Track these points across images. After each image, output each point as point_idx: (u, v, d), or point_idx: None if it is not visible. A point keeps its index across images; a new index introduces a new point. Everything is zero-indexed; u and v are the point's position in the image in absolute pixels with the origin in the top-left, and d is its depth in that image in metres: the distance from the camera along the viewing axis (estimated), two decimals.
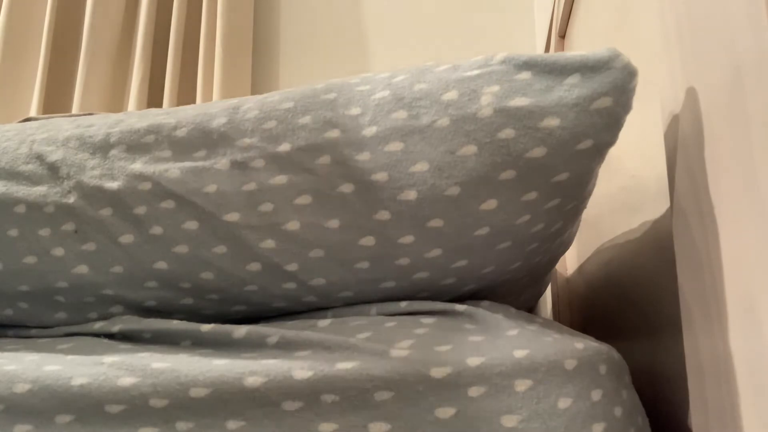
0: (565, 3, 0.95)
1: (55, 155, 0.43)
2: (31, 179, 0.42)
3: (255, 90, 1.42)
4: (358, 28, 1.47)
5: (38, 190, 0.42)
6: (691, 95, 0.34)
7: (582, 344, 0.36)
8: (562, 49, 1.03)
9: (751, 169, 0.26)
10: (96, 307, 0.43)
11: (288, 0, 1.48)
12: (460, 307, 0.38)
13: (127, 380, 0.34)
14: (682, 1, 0.34)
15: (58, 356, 0.37)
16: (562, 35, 1.01)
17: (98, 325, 0.42)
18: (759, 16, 0.25)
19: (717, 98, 0.30)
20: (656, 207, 0.44)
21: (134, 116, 0.44)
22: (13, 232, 0.42)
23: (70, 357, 0.37)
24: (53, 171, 0.42)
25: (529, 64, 0.37)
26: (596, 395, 0.34)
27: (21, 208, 0.42)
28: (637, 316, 0.47)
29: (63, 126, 0.45)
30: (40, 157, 0.43)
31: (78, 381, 0.34)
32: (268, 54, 1.47)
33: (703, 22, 0.31)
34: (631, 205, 0.49)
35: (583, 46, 0.85)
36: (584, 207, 0.41)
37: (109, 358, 0.36)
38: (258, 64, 1.44)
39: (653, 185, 0.43)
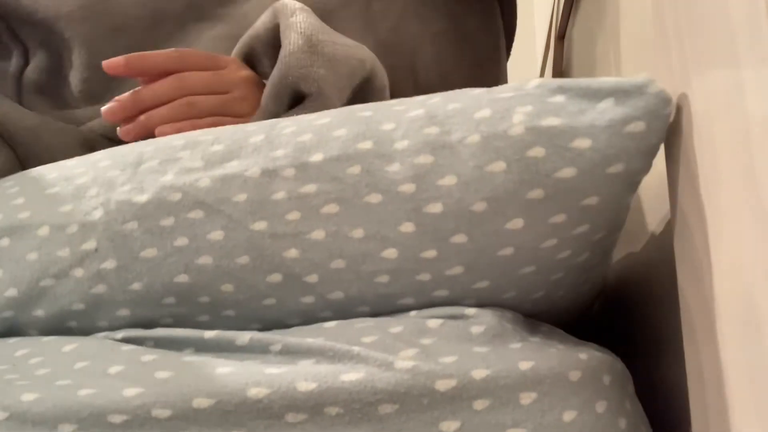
0: (564, 4, 0.95)
1: (84, 177, 0.43)
2: (57, 200, 0.43)
3: None
4: None
5: (63, 210, 0.42)
6: (691, 95, 0.34)
7: (586, 354, 0.36)
8: (562, 51, 1.03)
9: (751, 170, 0.26)
10: (108, 329, 0.42)
11: None
12: (469, 311, 0.38)
13: (131, 390, 0.34)
14: (681, 1, 0.34)
15: (66, 366, 0.37)
16: (562, 36, 1.01)
17: (101, 335, 0.41)
18: (759, 17, 0.25)
19: (717, 99, 0.30)
20: (656, 208, 0.44)
21: (173, 136, 0.45)
22: (33, 256, 0.42)
23: (78, 366, 0.37)
24: (81, 191, 0.42)
25: (563, 89, 0.37)
26: (601, 407, 0.34)
27: (44, 231, 0.42)
28: (639, 320, 0.47)
29: (96, 153, 0.45)
30: (68, 179, 0.43)
31: (84, 392, 0.34)
32: None
33: (703, 22, 0.31)
34: (631, 205, 0.49)
35: (582, 47, 0.85)
36: (613, 243, 0.41)
37: (114, 368, 0.36)
38: None
39: (653, 186, 0.43)
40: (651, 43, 0.46)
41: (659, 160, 0.40)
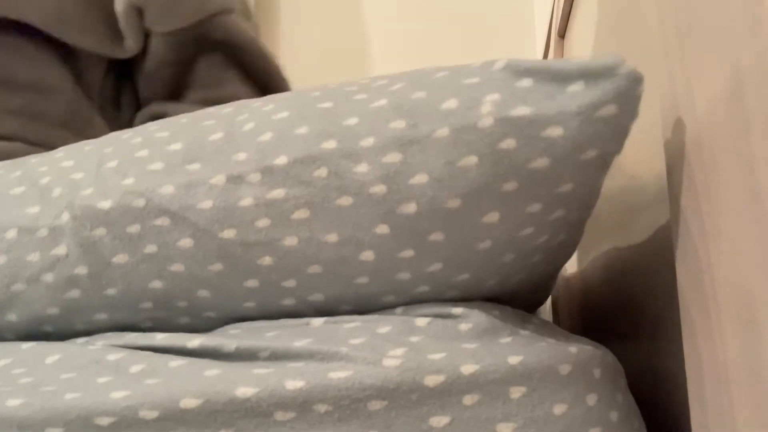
0: (564, 3, 0.95)
1: (48, 177, 0.42)
2: (23, 201, 0.42)
3: None
4: (358, 25, 1.47)
5: (31, 212, 0.41)
6: (691, 96, 0.33)
7: (576, 348, 0.35)
8: (562, 50, 1.02)
9: (751, 170, 0.26)
10: (87, 333, 0.42)
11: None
12: (456, 309, 0.37)
13: (118, 393, 0.34)
14: (681, 1, 0.34)
15: (51, 377, 0.36)
16: (562, 35, 1.01)
17: (80, 341, 0.41)
18: (759, 17, 0.25)
19: (716, 99, 0.30)
20: (656, 208, 0.43)
21: (129, 132, 0.44)
22: (1, 259, 0.41)
23: (64, 377, 0.36)
24: (46, 192, 0.42)
25: (530, 71, 0.36)
26: (591, 400, 0.34)
27: (12, 233, 0.41)
28: (637, 317, 0.47)
29: (57, 150, 0.45)
30: (32, 179, 0.43)
31: (70, 395, 0.34)
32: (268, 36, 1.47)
33: (703, 22, 0.31)
34: (631, 205, 0.49)
35: (582, 46, 0.85)
36: (588, 217, 0.40)
37: (102, 379, 0.35)
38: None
39: (653, 186, 0.43)
40: (651, 42, 0.46)
41: (659, 161, 0.40)
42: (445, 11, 1.39)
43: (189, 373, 0.35)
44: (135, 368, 0.36)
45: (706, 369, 0.30)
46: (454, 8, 1.38)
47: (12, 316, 0.42)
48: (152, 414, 0.33)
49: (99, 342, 0.40)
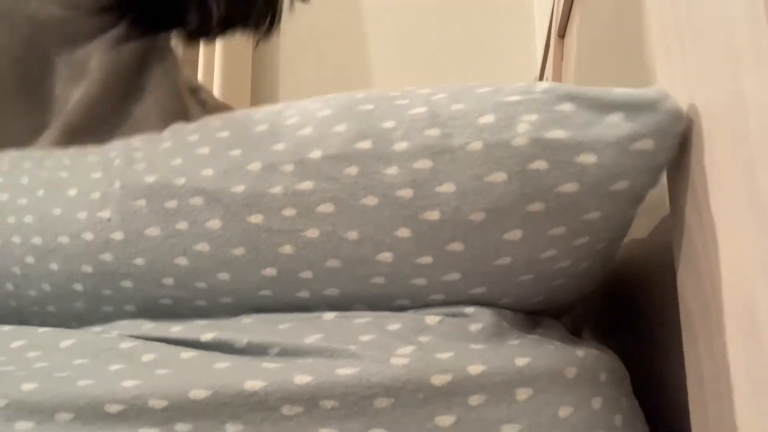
0: (564, 3, 0.95)
1: (115, 151, 0.45)
2: (92, 167, 0.45)
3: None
4: (358, 25, 1.47)
5: (94, 176, 0.44)
6: (690, 95, 0.34)
7: (583, 352, 0.36)
8: (562, 50, 1.03)
9: (751, 171, 0.26)
10: (112, 301, 0.43)
11: None
12: (468, 309, 0.38)
13: (129, 382, 0.34)
14: (681, 1, 0.34)
15: (65, 362, 0.37)
16: (562, 35, 1.01)
17: (96, 330, 0.41)
18: (758, 17, 0.25)
19: (716, 99, 0.30)
20: (656, 209, 0.43)
21: (190, 126, 0.46)
22: (57, 211, 0.43)
23: (77, 362, 0.37)
24: (110, 163, 0.44)
25: (571, 96, 0.36)
26: (597, 403, 0.34)
27: (73, 191, 0.44)
28: (637, 319, 0.47)
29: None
30: (101, 153, 0.46)
31: (83, 382, 0.34)
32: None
33: (702, 22, 0.31)
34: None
35: (582, 46, 0.85)
36: (617, 249, 0.40)
37: (114, 367, 0.36)
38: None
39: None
40: (651, 42, 0.46)
41: None
42: (445, 11, 1.39)
43: (199, 365, 0.35)
44: (147, 357, 0.36)
45: (706, 371, 0.30)
46: (454, 8, 1.38)
47: (54, 265, 0.43)
48: (161, 403, 0.33)
49: (114, 332, 0.40)
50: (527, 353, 0.34)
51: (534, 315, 0.41)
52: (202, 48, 1.36)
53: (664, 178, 0.38)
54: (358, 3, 1.45)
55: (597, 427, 0.34)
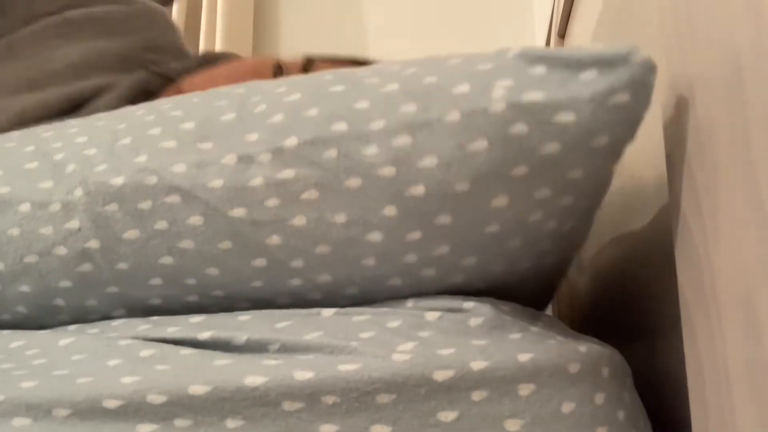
0: (564, 3, 0.95)
1: (61, 153, 0.43)
2: (37, 176, 0.42)
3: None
4: (358, 25, 1.46)
5: (44, 187, 0.42)
6: (691, 95, 0.34)
7: (585, 347, 0.35)
8: None
9: (751, 169, 0.26)
10: (99, 309, 0.42)
11: None
12: (467, 304, 0.37)
13: (128, 378, 0.33)
14: (681, 1, 0.34)
15: (63, 358, 0.37)
16: (562, 35, 1.02)
17: (93, 332, 0.41)
18: (759, 15, 0.25)
19: (716, 98, 0.30)
20: (656, 207, 0.44)
21: (142, 109, 0.44)
22: (14, 231, 0.41)
23: (76, 358, 0.37)
24: (60, 167, 0.42)
25: (543, 58, 0.36)
26: (599, 399, 0.34)
27: (25, 207, 0.41)
28: (638, 316, 0.47)
29: (70, 123, 0.45)
30: (46, 155, 0.43)
31: (82, 379, 0.34)
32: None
33: (703, 21, 0.31)
34: (631, 205, 0.49)
35: (582, 45, 0.85)
36: (597, 206, 0.40)
37: (113, 362, 0.35)
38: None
39: (653, 185, 0.43)
40: (651, 41, 0.46)
41: (659, 160, 0.40)
42: (445, 11, 1.39)
43: (199, 361, 0.35)
44: (146, 353, 0.36)
45: (706, 369, 0.30)
46: (454, 8, 1.38)
47: (25, 287, 0.42)
48: (160, 399, 0.33)
49: (111, 333, 0.40)
50: (529, 348, 0.34)
51: (532, 308, 0.41)
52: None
53: (664, 177, 0.38)
54: (360, 3, 1.46)
55: (600, 422, 0.33)
